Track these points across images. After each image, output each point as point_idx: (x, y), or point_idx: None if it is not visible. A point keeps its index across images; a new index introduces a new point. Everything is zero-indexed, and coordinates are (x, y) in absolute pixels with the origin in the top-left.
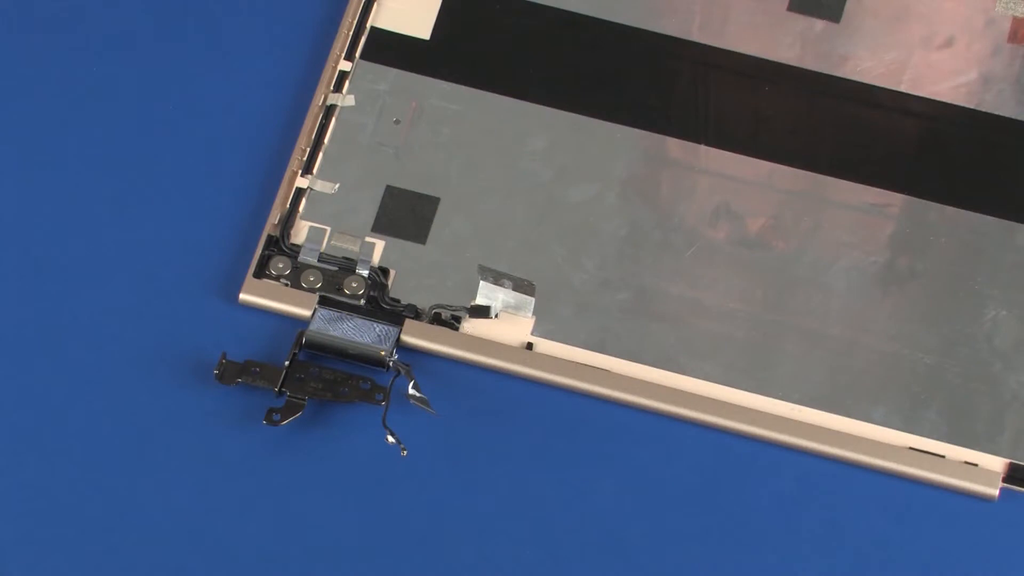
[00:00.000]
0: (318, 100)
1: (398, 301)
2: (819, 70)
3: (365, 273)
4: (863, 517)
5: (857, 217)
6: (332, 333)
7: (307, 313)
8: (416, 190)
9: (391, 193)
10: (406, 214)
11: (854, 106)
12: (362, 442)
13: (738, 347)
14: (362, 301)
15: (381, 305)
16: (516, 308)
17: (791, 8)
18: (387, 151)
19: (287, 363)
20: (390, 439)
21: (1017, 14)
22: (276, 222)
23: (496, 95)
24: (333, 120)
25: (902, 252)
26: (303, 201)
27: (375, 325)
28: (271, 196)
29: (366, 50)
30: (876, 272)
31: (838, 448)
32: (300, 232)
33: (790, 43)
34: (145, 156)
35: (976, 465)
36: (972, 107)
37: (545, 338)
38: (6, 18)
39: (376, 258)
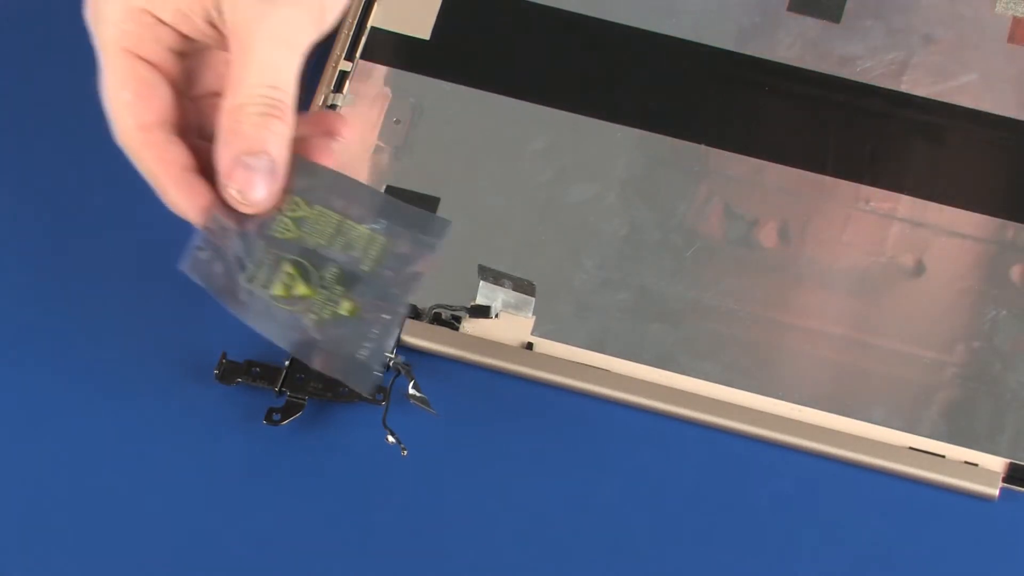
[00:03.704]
0: (318, 100)
1: None
2: (819, 70)
3: None
4: (863, 517)
5: (857, 217)
6: None
7: None
8: (416, 190)
9: (391, 193)
10: None
11: (854, 106)
12: (362, 442)
13: (738, 347)
14: None
15: None
16: (516, 308)
17: (791, 8)
18: (387, 151)
19: (287, 363)
20: (390, 439)
21: (1017, 14)
22: None
23: (496, 95)
24: None
25: (902, 252)
26: None
27: None
28: None
29: (366, 50)
30: (876, 272)
31: (838, 448)
32: None
33: (790, 43)
34: None
35: (976, 465)
36: (972, 107)
37: (545, 338)
38: (6, 18)
39: None
